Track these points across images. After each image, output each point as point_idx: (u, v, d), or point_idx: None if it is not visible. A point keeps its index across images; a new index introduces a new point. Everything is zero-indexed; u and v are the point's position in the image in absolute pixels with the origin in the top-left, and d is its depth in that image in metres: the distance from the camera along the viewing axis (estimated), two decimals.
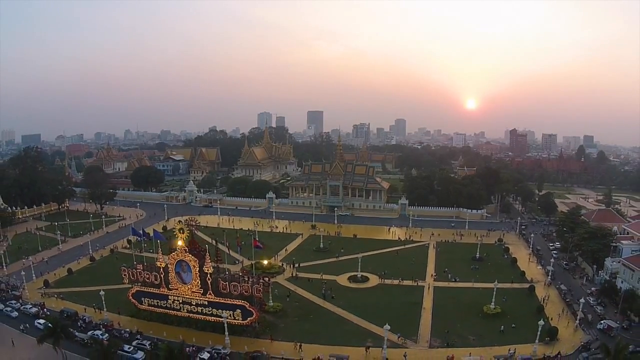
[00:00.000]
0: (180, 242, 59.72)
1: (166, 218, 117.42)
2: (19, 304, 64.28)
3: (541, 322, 49.64)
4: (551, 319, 57.46)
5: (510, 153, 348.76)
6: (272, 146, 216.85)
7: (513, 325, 55.66)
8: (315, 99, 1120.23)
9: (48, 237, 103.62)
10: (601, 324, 57.21)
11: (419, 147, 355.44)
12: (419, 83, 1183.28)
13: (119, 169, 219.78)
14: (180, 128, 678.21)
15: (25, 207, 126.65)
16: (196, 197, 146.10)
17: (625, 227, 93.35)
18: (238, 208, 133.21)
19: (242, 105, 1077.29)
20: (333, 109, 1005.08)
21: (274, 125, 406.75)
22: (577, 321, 56.83)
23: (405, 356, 46.47)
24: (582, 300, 58.39)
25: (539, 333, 49.10)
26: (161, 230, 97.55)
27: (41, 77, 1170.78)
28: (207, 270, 50.38)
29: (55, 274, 77.69)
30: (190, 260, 51.03)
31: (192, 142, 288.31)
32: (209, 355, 45.86)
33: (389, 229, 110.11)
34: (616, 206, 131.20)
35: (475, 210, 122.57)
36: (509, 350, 48.57)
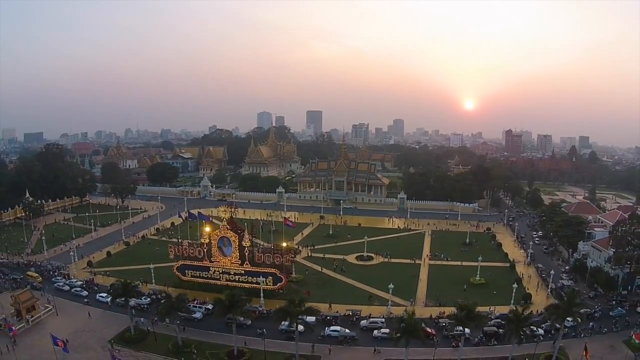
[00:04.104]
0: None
1: (186, 210, 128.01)
2: (64, 279, 74.65)
3: (515, 285, 61.19)
4: (527, 290, 68.83)
5: (505, 153, 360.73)
6: (277, 145, 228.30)
7: (494, 292, 67.06)
8: (314, 99, 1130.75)
9: (78, 226, 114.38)
10: (559, 282, 70.12)
11: (417, 147, 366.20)
12: (417, 83, 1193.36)
13: (129, 165, 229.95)
14: (180, 127, 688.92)
15: (50, 200, 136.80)
16: (210, 192, 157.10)
17: (600, 217, 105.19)
18: (250, 202, 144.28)
19: (241, 105, 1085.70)
20: (332, 108, 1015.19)
21: (274, 124, 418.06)
22: (549, 290, 68.46)
23: (405, 311, 57.56)
24: (552, 272, 69.85)
25: (513, 294, 60.58)
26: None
27: (41, 75, 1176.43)
28: (245, 244, 61.48)
29: (93, 257, 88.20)
30: (231, 236, 62.02)
31: (199, 140, 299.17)
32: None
33: (390, 219, 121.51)
34: (602, 202, 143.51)
35: (468, 204, 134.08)
36: (489, 308, 59.95)
